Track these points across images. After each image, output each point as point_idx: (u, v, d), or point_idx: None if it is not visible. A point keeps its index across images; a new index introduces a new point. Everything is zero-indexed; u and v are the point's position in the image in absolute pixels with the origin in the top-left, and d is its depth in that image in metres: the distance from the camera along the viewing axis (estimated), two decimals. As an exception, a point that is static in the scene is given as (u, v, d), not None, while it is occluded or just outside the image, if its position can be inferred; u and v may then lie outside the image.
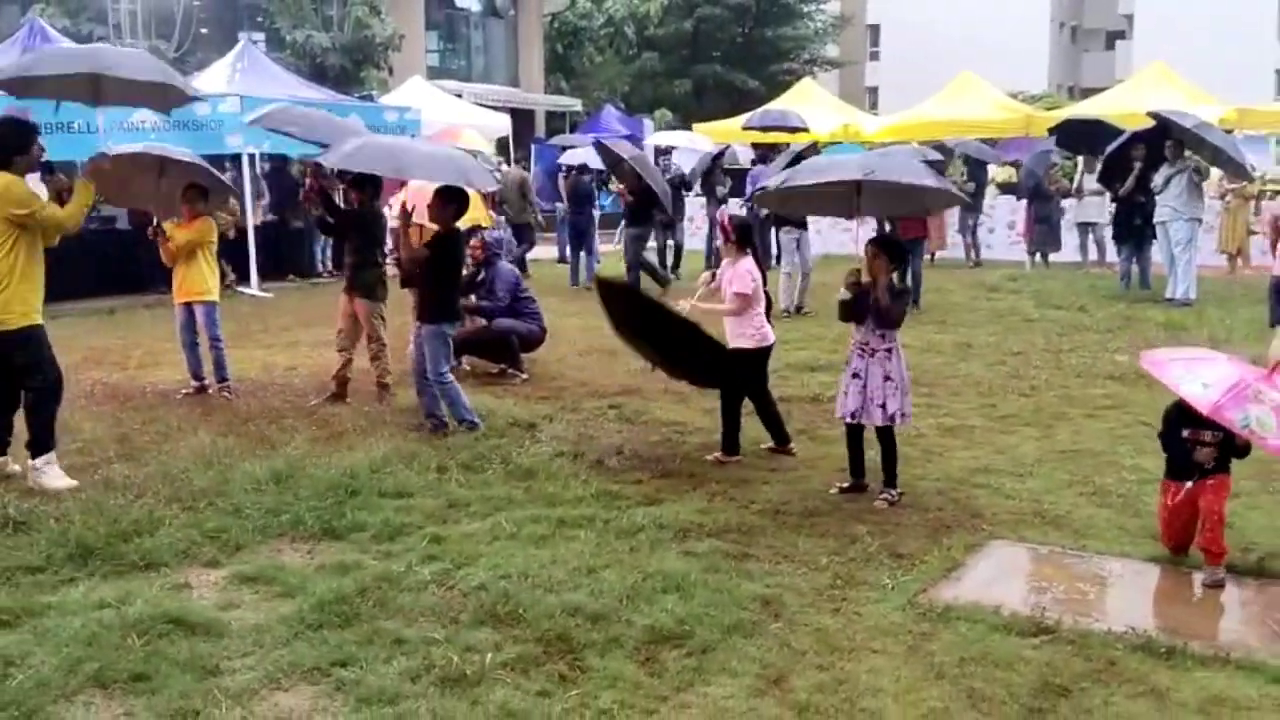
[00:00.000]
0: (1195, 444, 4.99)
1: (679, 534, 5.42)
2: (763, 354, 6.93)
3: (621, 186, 15.02)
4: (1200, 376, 4.80)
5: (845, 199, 6.41)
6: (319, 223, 9.28)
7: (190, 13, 25.51)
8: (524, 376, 9.22)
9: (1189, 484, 5.02)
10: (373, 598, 4.61)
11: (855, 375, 5.98)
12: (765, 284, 6.92)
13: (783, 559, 5.14)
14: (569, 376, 9.32)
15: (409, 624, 4.37)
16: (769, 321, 6.97)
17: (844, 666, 4.06)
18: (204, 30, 25.92)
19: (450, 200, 7.36)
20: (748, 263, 6.84)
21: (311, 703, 3.80)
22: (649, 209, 14.55)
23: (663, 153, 18.22)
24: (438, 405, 7.37)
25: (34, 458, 6.18)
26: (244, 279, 15.46)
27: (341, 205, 8.89)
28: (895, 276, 6.05)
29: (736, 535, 5.44)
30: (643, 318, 7.12)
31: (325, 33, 26.75)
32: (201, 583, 4.87)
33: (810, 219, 13.05)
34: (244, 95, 15.59)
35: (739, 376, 6.90)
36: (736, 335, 6.78)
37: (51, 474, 6.17)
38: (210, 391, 8.61)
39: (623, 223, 15.81)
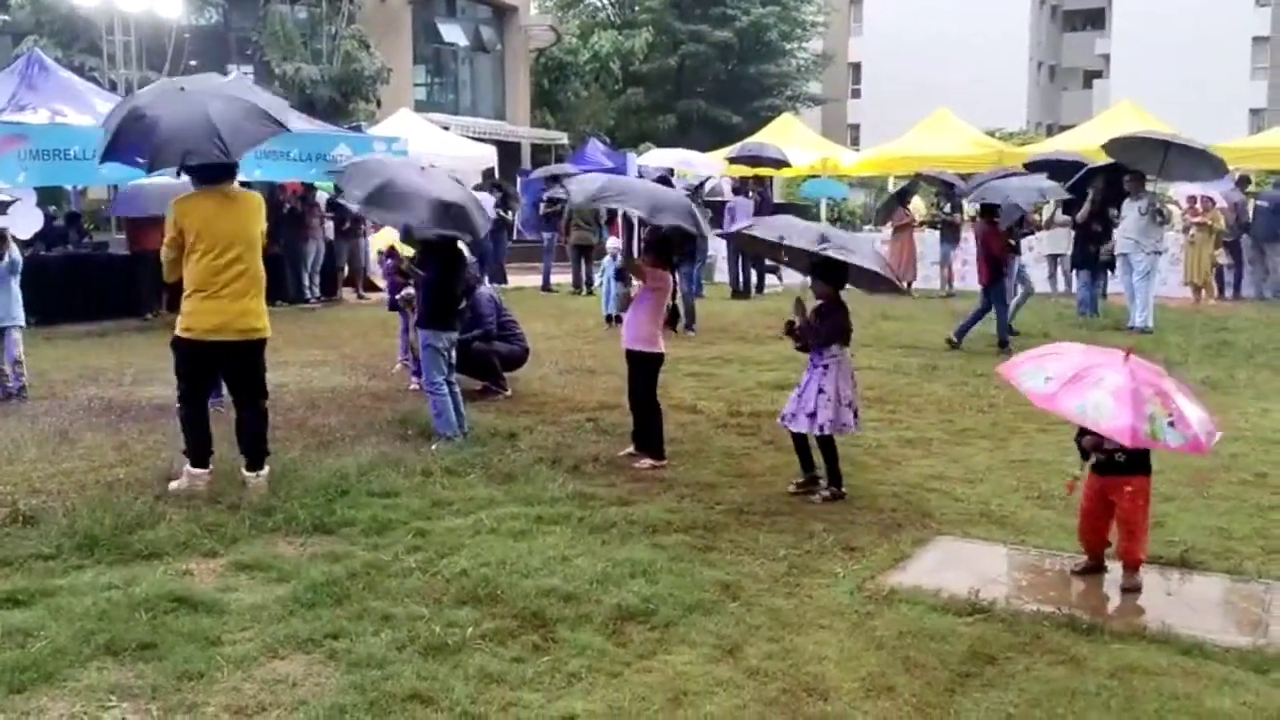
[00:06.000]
0: (1093, 448, 5.05)
1: (648, 529, 5.80)
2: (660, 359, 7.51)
3: None
4: (1045, 370, 4.93)
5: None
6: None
7: (181, 45, 26.06)
8: (507, 393, 9.60)
9: (1087, 474, 5.12)
10: (362, 581, 4.98)
11: (798, 385, 6.49)
12: None
13: (743, 551, 5.53)
14: (550, 393, 9.71)
15: (396, 603, 4.74)
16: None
17: (793, 639, 4.45)
18: (194, 62, 26.44)
19: None
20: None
21: (306, 668, 4.16)
22: None
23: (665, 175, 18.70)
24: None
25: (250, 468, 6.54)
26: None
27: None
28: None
29: (702, 531, 5.83)
30: None
31: (314, 65, 27.31)
32: (202, 570, 5.22)
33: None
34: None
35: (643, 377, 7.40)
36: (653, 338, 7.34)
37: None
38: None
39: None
